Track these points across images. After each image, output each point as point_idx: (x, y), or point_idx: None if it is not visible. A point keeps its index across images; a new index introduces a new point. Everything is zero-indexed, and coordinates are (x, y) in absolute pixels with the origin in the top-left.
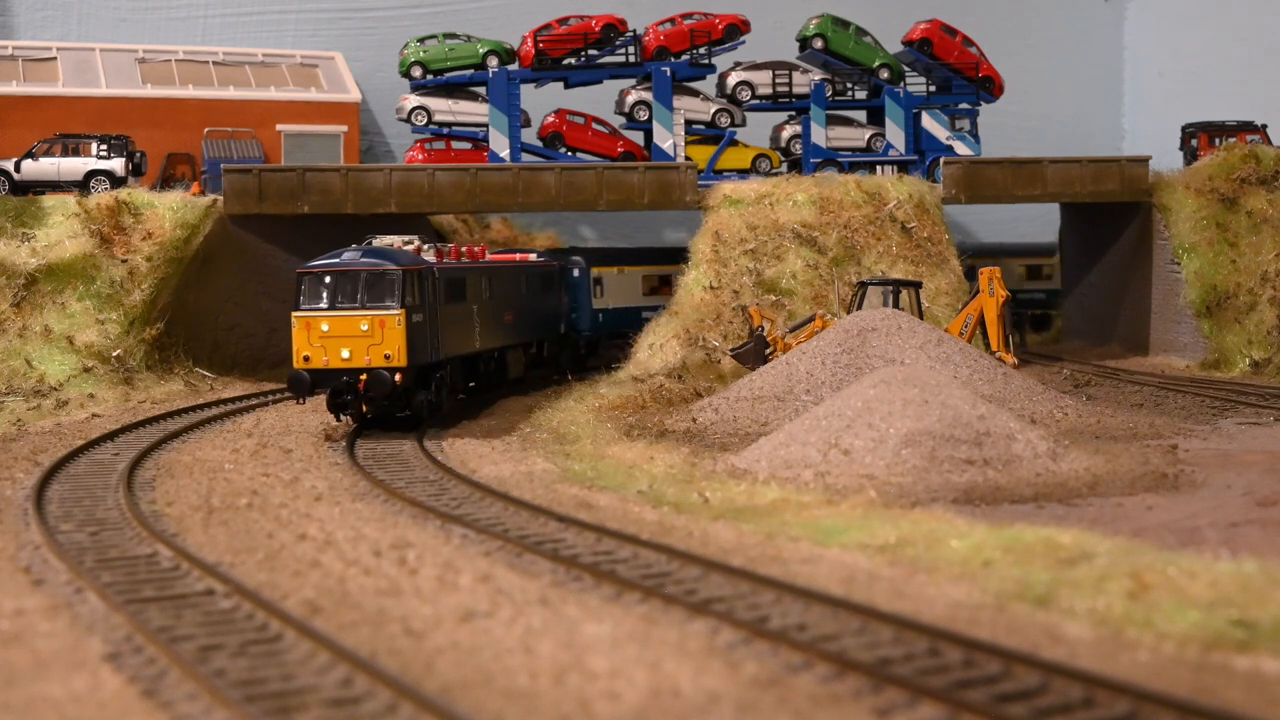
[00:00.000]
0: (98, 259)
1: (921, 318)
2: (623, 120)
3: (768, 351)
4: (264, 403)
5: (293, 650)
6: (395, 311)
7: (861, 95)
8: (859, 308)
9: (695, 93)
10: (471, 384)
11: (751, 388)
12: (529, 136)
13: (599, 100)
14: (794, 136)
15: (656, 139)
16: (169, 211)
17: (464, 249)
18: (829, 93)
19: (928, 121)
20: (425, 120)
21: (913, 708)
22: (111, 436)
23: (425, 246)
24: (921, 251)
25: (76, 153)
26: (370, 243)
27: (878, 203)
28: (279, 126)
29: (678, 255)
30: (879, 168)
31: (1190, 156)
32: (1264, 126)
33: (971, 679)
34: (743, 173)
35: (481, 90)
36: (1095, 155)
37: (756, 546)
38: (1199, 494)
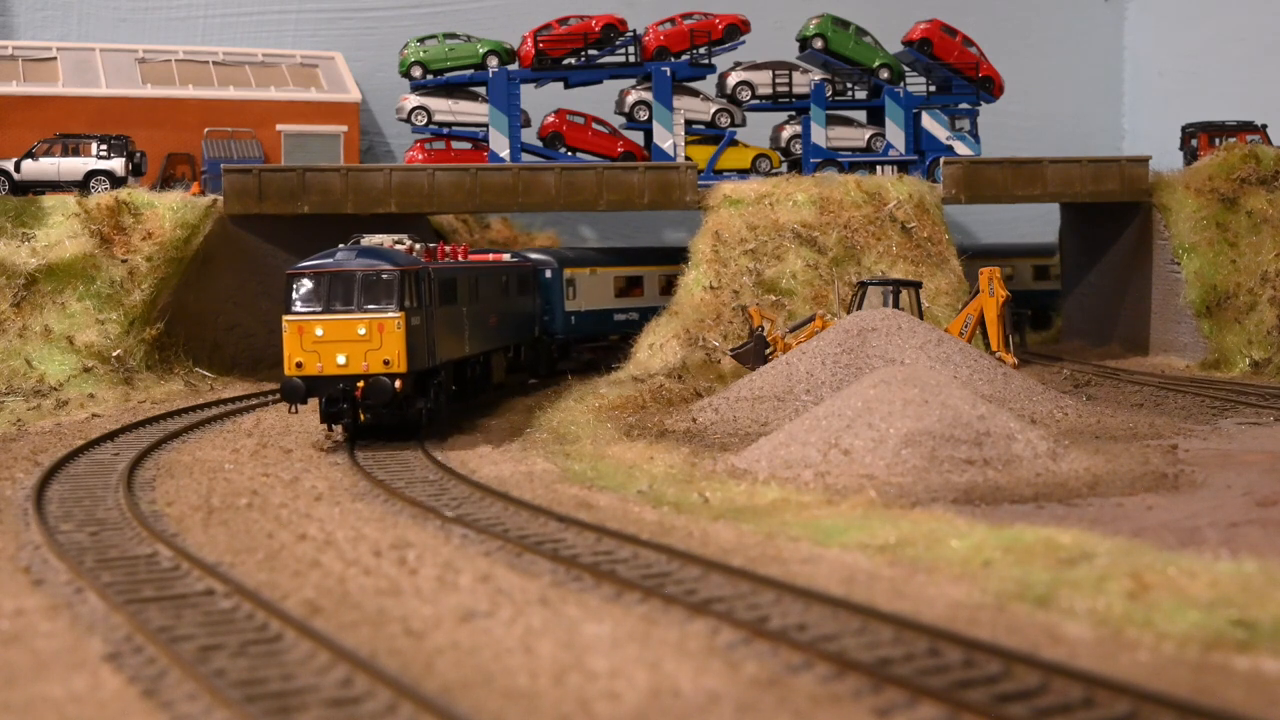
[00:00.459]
0: (98, 259)
1: (921, 318)
2: (623, 120)
3: (768, 351)
4: (264, 403)
5: (293, 650)
6: (395, 315)
7: (861, 95)
8: (859, 308)
9: (695, 93)
10: (454, 388)
11: (751, 388)
12: (529, 136)
13: (599, 100)
14: (794, 136)
15: (656, 139)
16: (169, 211)
17: (447, 249)
18: (829, 93)
19: (928, 121)
20: (425, 120)
21: (913, 708)
22: (111, 436)
23: (417, 246)
24: (921, 251)
25: (76, 153)
26: (358, 241)
27: (878, 203)
28: (279, 126)
29: (651, 255)
30: (879, 168)
31: (1190, 156)
32: (1264, 126)
33: (971, 679)
34: (743, 173)
35: (481, 90)
36: (1095, 155)
37: (756, 546)
38: (1199, 494)
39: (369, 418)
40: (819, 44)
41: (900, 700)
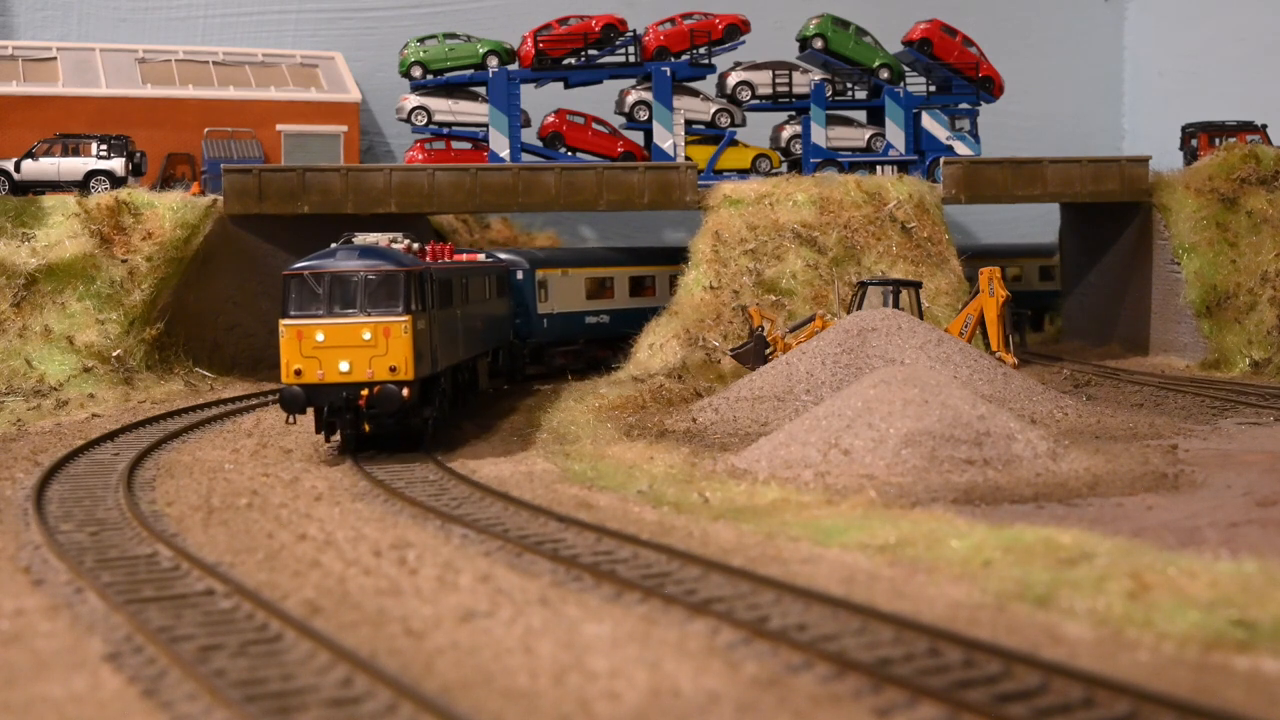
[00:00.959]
0: (98, 259)
1: (921, 318)
2: (623, 120)
3: (768, 351)
4: (264, 403)
5: (293, 650)
6: (401, 318)
7: (861, 95)
8: (859, 308)
9: (695, 93)
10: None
11: (751, 388)
12: (529, 136)
13: (599, 100)
14: (794, 136)
15: (656, 139)
16: (169, 211)
17: (432, 248)
18: (829, 93)
19: (928, 121)
20: (425, 120)
21: (913, 708)
22: (111, 436)
23: (415, 246)
24: (921, 251)
25: (76, 153)
26: (350, 240)
27: (878, 203)
28: (279, 126)
29: (623, 256)
30: (879, 168)
31: (1190, 156)
32: (1264, 126)
33: (971, 679)
34: (743, 173)
35: (481, 90)
36: (1095, 155)
37: (756, 546)
38: (1199, 494)
39: (373, 428)
40: (819, 44)
41: (900, 700)
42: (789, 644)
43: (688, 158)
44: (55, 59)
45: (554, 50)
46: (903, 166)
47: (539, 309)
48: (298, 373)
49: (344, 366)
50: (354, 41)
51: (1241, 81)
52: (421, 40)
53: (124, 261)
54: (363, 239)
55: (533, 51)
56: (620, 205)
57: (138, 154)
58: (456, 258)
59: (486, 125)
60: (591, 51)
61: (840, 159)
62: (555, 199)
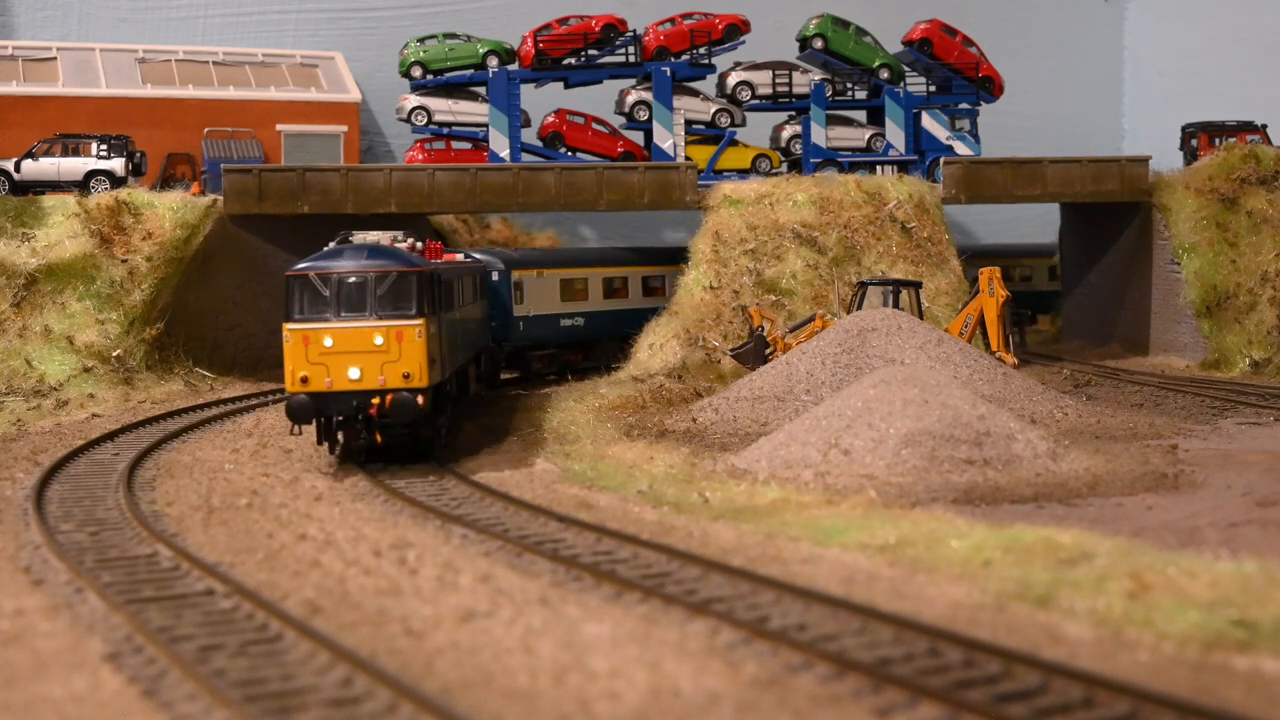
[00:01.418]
0: (98, 259)
1: (921, 318)
2: (623, 120)
3: (768, 351)
4: (264, 403)
5: (293, 650)
6: (415, 322)
7: (861, 95)
8: (859, 308)
9: (695, 93)
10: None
11: (751, 388)
12: (529, 136)
13: (599, 100)
14: (794, 136)
15: (656, 139)
16: (169, 211)
17: (418, 246)
18: (829, 93)
19: (928, 121)
20: (425, 120)
21: (913, 708)
22: (111, 436)
23: (418, 245)
24: (921, 251)
25: (76, 153)
26: (347, 239)
27: (878, 203)
28: (279, 126)
29: (597, 257)
30: (879, 168)
31: (1190, 156)
32: (1264, 126)
33: (971, 679)
34: (743, 173)
35: (481, 90)
36: (1095, 155)
37: (756, 546)
38: (1199, 494)
39: (385, 439)
40: (819, 44)
41: (900, 700)
42: (789, 644)
43: (688, 158)
44: (55, 59)
45: (554, 50)
46: (903, 166)
47: (515, 311)
48: (304, 380)
49: (354, 373)
50: (354, 41)
51: (1241, 81)
52: (421, 40)
53: (124, 261)
54: (361, 237)
55: (533, 51)
56: (620, 205)
57: (138, 154)
58: (450, 258)
59: (486, 125)
60: (591, 51)
61: (840, 159)
62: (555, 199)
